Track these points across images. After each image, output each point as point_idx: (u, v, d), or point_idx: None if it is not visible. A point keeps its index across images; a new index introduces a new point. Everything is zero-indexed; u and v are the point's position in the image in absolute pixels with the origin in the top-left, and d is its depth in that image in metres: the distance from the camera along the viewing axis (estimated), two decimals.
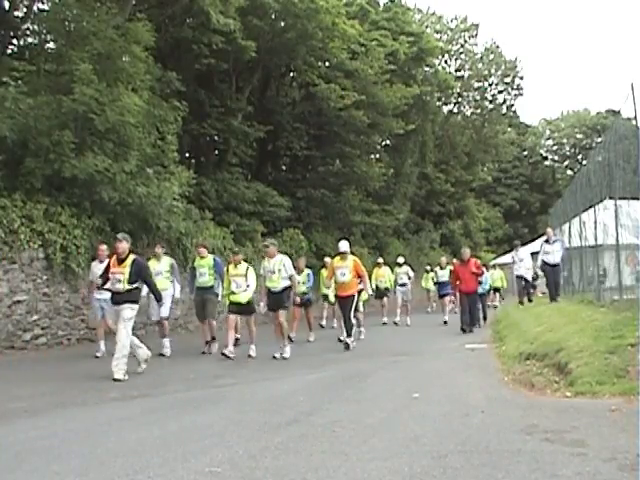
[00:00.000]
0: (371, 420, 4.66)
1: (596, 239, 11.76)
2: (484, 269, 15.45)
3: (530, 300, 15.85)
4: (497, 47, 41.17)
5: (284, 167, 25.13)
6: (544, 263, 13.77)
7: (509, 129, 49.63)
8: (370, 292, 13.83)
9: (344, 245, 10.70)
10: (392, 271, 16.80)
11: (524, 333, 9.64)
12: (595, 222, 11.77)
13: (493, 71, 40.61)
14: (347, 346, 10.14)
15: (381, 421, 4.66)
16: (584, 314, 9.05)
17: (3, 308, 10.25)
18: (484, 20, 69.73)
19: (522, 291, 16.04)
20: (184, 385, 6.99)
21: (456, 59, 40.64)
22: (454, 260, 24.11)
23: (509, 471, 3.26)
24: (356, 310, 11.49)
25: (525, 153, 55.02)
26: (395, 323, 16.01)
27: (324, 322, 15.40)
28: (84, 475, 3.59)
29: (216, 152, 21.37)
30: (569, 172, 52.89)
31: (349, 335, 10.27)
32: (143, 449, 4.07)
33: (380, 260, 17.09)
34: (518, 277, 16.04)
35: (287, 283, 9.43)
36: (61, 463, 3.82)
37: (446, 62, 39.75)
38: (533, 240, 40.31)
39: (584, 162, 35.55)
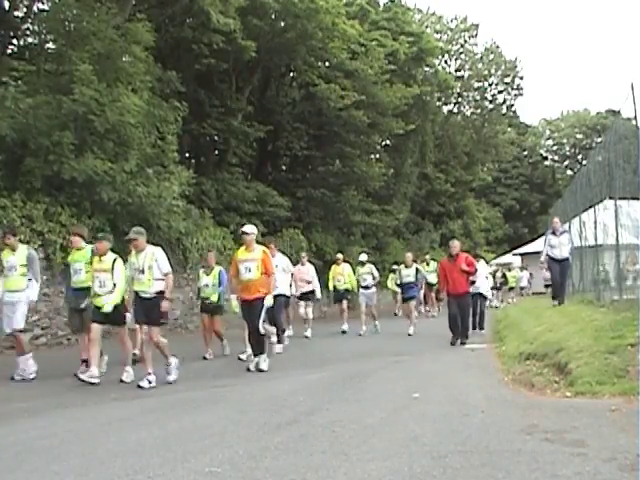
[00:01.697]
0: (371, 420, 4.65)
1: (596, 239, 11.76)
2: (482, 265, 13.49)
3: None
4: (497, 47, 41.20)
5: (284, 167, 25.14)
6: (549, 258, 11.99)
7: (509, 129, 49.63)
8: (318, 295, 12.88)
9: (250, 228, 8.05)
10: (354, 270, 14.18)
11: (524, 333, 9.65)
12: (595, 222, 11.77)
13: (493, 71, 40.62)
14: (259, 370, 7.77)
15: (381, 421, 4.66)
16: (584, 314, 9.06)
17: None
18: (484, 20, 69.79)
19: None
20: (184, 385, 6.99)
21: (456, 59, 40.65)
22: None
23: (509, 471, 3.26)
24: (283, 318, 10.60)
25: (525, 153, 55.04)
26: (359, 334, 13.08)
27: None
28: (84, 475, 3.59)
29: (216, 152, 21.38)
30: (569, 172, 52.93)
31: (259, 352, 7.85)
32: (143, 449, 4.07)
33: (339, 256, 14.52)
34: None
35: (161, 286, 7.00)
36: (61, 463, 3.82)
37: (446, 62, 39.75)
38: (533, 240, 40.36)
39: (584, 162, 35.54)
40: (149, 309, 6.92)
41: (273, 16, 19.57)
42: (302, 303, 12.91)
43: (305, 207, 22.73)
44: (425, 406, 5.13)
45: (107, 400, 6.15)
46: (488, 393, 5.62)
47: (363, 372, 7.47)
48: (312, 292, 12.72)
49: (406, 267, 13.48)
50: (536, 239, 38.74)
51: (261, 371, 7.70)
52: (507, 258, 40.13)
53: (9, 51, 14.37)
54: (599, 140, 33.91)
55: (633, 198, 9.65)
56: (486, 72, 40.36)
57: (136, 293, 7.05)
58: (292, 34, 19.50)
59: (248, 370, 7.88)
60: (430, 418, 4.65)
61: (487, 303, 13.70)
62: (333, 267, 14.21)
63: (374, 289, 13.95)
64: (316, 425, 4.55)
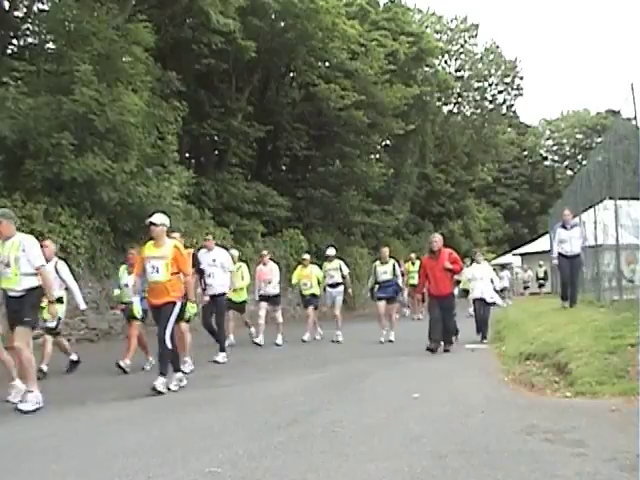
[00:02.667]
0: (371, 420, 4.65)
1: (596, 239, 11.75)
2: (485, 267, 11.52)
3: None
4: (497, 47, 41.26)
5: (284, 167, 25.16)
6: (559, 255, 10.76)
7: (509, 129, 49.66)
8: (245, 297, 10.93)
9: (158, 218, 6.62)
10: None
11: (524, 333, 9.64)
12: (595, 222, 11.77)
13: (493, 71, 40.66)
14: (157, 392, 6.15)
15: (381, 421, 4.66)
16: (584, 314, 9.06)
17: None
18: (484, 20, 69.95)
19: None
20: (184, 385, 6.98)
21: (456, 59, 40.68)
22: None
23: (509, 471, 3.25)
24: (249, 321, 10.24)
25: (525, 153, 55.02)
26: (315, 338, 11.98)
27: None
28: (84, 475, 3.58)
29: (216, 152, 21.40)
30: (569, 172, 52.90)
31: (162, 371, 6.31)
32: (143, 449, 4.07)
33: (306, 257, 12.41)
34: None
35: (34, 282, 5.75)
36: (61, 463, 3.81)
37: (446, 62, 39.79)
38: (533, 240, 40.36)
39: (584, 162, 35.54)
40: (17, 308, 5.71)
41: (273, 16, 19.59)
42: (263, 305, 11.22)
43: (305, 207, 22.75)
44: (425, 406, 5.12)
45: (107, 400, 6.15)
46: (488, 393, 5.62)
47: (363, 372, 7.47)
48: (278, 295, 11.43)
49: (382, 263, 11.48)
50: (536, 239, 38.75)
51: (160, 393, 6.14)
52: (507, 258, 40.13)
53: (9, 51, 14.38)
54: (599, 140, 33.96)
55: (633, 198, 9.65)
56: (486, 72, 40.40)
57: (3, 291, 5.87)
58: (292, 34, 19.51)
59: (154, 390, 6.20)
60: (430, 418, 4.65)
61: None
62: (299, 269, 12.17)
63: (342, 288, 11.96)
64: (316, 425, 4.54)
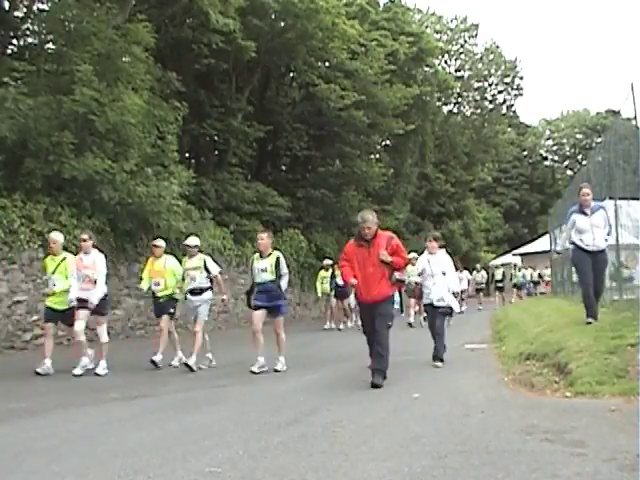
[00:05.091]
0: (371, 420, 4.65)
1: None
2: (446, 261, 8.18)
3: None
4: (497, 47, 41.29)
5: (284, 167, 25.15)
6: (576, 248, 7.81)
7: (509, 129, 49.67)
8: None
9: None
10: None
11: (524, 333, 9.64)
12: None
13: (493, 71, 40.68)
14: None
15: (381, 421, 4.66)
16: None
17: (3, 308, 10.26)
18: (484, 20, 70.19)
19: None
20: (184, 385, 6.99)
21: (456, 59, 40.70)
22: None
23: (509, 471, 3.25)
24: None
25: (525, 153, 55.05)
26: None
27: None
28: (84, 475, 3.58)
29: (216, 152, 21.39)
30: (569, 172, 52.91)
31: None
32: (143, 449, 4.07)
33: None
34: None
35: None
36: (61, 463, 3.81)
37: (446, 62, 39.82)
38: (533, 240, 40.38)
39: (584, 162, 35.53)
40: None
41: (273, 16, 19.59)
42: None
43: (305, 207, 22.74)
44: (425, 406, 5.13)
45: (107, 400, 6.15)
46: (488, 393, 5.62)
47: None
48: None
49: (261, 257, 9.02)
50: (536, 239, 38.78)
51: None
52: (507, 258, 40.15)
53: (9, 51, 14.38)
54: (599, 140, 33.93)
55: (633, 198, 9.65)
56: (486, 72, 40.43)
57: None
58: (292, 34, 19.51)
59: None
60: (430, 418, 4.65)
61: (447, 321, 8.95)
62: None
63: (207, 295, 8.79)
64: (316, 425, 4.54)
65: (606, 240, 7.83)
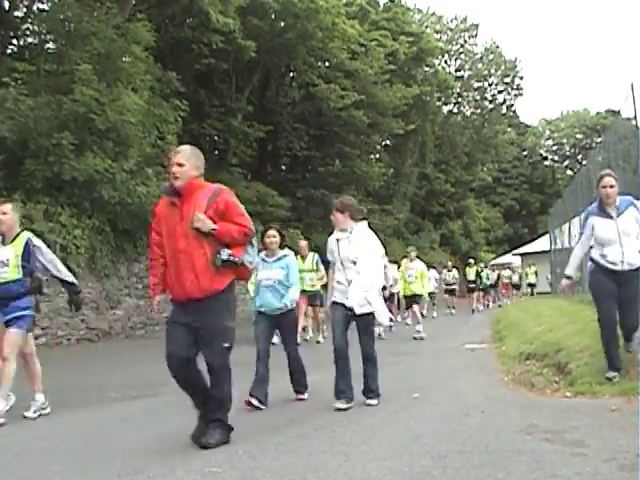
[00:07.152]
0: (371, 420, 4.65)
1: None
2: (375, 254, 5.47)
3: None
4: (497, 47, 41.28)
5: (284, 167, 25.16)
6: (597, 268, 5.31)
7: (509, 129, 49.64)
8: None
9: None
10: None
11: (524, 333, 9.65)
12: None
13: (493, 71, 40.68)
14: None
15: (381, 421, 4.66)
16: (584, 314, 9.04)
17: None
18: (484, 20, 69.99)
19: None
20: None
21: (456, 59, 40.71)
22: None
23: (509, 471, 3.25)
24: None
25: (525, 153, 55.01)
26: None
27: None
28: (84, 475, 3.58)
29: (216, 152, 21.39)
30: (569, 172, 52.88)
31: None
32: (143, 449, 4.06)
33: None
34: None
35: None
36: (61, 463, 3.81)
37: (446, 62, 39.82)
38: (533, 240, 40.36)
39: (584, 162, 35.53)
40: None
41: (273, 16, 19.61)
42: None
43: (305, 207, 22.73)
44: (425, 406, 5.13)
45: (107, 400, 6.15)
46: (488, 393, 5.62)
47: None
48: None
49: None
50: (536, 239, 38.76)
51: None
52: (507, 258, 40.16)
53: (9, 51, 14.39)
54: (599, 140, 33.91)
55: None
56: (486, 72, 40.42)
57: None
58: (292, 34, 19.52)
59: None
60: (430, 418, 4.65)
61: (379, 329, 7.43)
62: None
63: None
64: (316, 425, 4.54)
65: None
